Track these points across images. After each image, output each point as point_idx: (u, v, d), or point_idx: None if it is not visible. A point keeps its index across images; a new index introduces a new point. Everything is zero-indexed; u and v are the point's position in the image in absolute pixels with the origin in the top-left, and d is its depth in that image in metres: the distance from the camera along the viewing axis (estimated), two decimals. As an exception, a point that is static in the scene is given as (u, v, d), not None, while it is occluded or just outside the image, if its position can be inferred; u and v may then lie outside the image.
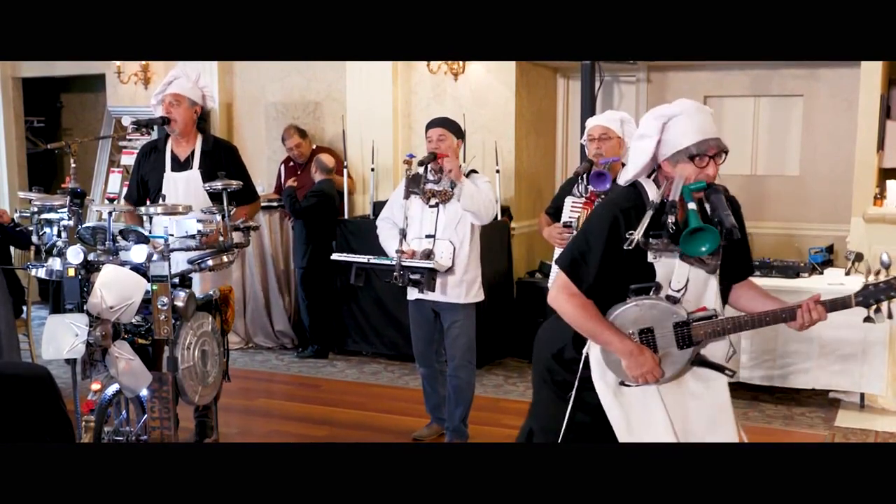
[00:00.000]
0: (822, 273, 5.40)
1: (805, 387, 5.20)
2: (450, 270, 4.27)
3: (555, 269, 3.58)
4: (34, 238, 3.83)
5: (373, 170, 6.51)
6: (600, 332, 2.61)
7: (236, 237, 4.17)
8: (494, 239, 6.07)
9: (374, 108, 6.75)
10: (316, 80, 7.21)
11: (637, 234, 2.52)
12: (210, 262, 4.01)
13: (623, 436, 2.64)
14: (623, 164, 3.59)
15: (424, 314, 4.44)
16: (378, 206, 5.27)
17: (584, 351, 2.71)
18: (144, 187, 4.53)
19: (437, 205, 4.30)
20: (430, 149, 4.33)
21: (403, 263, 4.21)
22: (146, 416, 3.67)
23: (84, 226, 3.68)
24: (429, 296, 4.29)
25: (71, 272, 3.42)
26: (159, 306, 3.59)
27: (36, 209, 3.79)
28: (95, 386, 3.45)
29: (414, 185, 4.32)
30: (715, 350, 2.70)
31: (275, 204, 6.73)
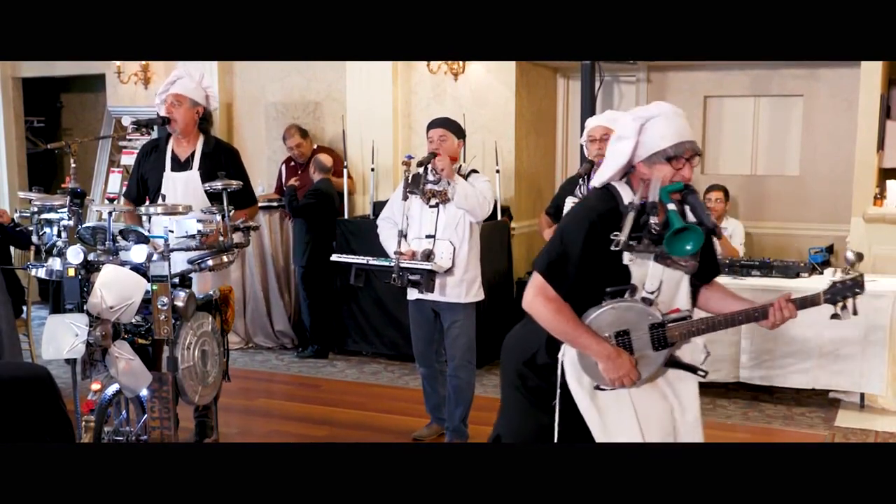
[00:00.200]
0: (821, 273, 5.40)
1: (805, 387, 5.20)
2: (450, 270, 4.27)
3: None
4: (34, 238, 3.83)
5: (373, 170, 6.51)
6: (577, 335, 2.60)
7: (236, 237, 4.17)
8: (494, 239, 6.08)
9: (374, 108, 6.75)
10: (316, 80, 7.22)
11: (623, 235, 2.51)
12: (210, 262, 4.01)
13: (600, 438, 2.63)
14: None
15: (424, 314, 4.44)
16: (378, 206, 5.28)
17: (559, 356, 2.69)
18: (144, 185, 4.53)
19: (437, 205, 4.30)
20: (430, 149, 4.33)
21: (402, 265, 4.21)
22: (146, 416, 3.67)
23: (84, 226, 3.68)
24: (429, 296, 4.28)
25: (71, 272, 3.41)
26: (159, 306, 3.59)
27: (36, 209, 3.79)
28: (95, 386, 3.45)
29: (414, 185, 4.32)
30: (691, 355, 2.71)
31: (275, 204, 6.73)
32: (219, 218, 3.97)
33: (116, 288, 3.34)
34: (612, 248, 2.52)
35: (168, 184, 4.42)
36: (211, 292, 4.17)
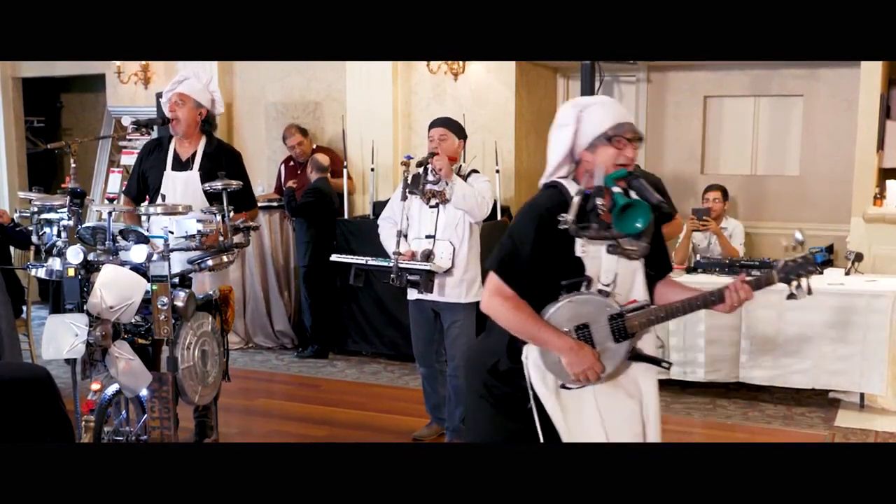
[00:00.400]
0: (821, 273, 5.37)
1: (805, 387, 5.19)
2: (450, 270, 4.27)
3: None
4: (34, 238, 3.83)
5: (373, 170, 6.51)
6: (537, 331, 2.57)
7: (236, 237, 4.16)
8: (494, 239, 6.01)
9: (374, 108, 6.75)
10: (316, 80, 7.22)
11: (570, 216, 2.50)
12: (210, 262, 4.01)
13: (566, 437, 2.60)
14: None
15: (424, 314, 4.44)
16: (378, 206, 5.28)
17: (522, 359, 2.65)
18: (144, 183, 4.53)
19: (436, 205, 4.30)
20: (431, 148, 4.33)
21: (401, 265, 4.21)
22: (146, 416, 3.67)
23: (84, 226, 3.68)
24: (429, 296, 4.29)
25: (71, 272, 3.41)
26: (159, 306, 3.59)
27: (36, 209, 3.79)
28: (95, 386, 3.45)
29: (413, 185, 4.32)
30: (645, 343, 2.69)
31: (275, 204, 6.73)
32: (218, 218, 3.97)
33: (116, 288, 3.34)
34: (560, 227, 2.50)
35: (168, 182, 4.42)
36: (211, 292, 4.17)
